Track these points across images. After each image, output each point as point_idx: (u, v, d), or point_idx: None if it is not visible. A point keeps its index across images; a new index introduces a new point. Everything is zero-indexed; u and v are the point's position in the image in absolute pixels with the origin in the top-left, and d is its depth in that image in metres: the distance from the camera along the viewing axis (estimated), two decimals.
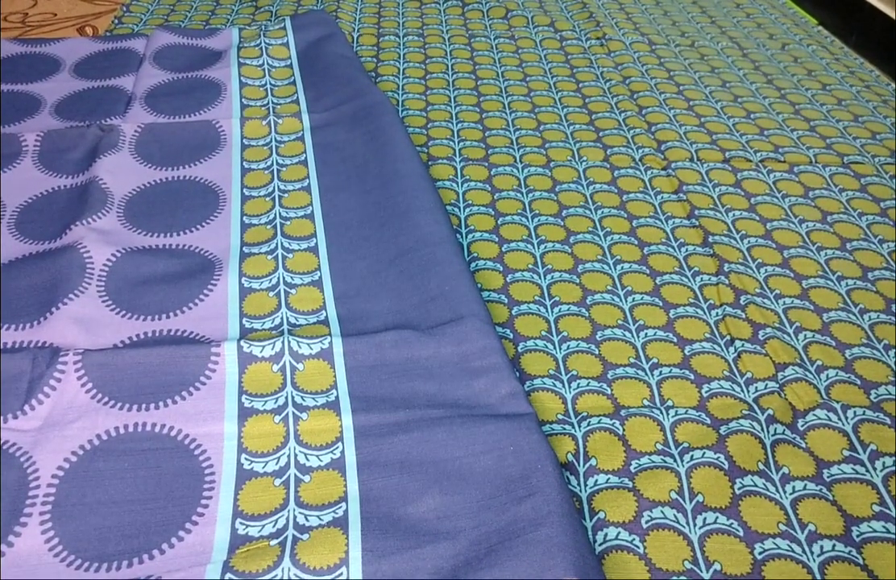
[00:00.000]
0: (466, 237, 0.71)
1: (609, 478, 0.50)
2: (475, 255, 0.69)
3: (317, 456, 0.49)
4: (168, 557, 0.44)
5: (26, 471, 0.47)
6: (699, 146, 0.88)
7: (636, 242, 0.72)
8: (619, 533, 0.47)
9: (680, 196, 0.79)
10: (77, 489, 0.47)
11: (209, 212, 0.71)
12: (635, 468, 0.51)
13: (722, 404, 0.56)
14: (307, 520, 0.45)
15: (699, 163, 0.85)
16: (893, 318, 0.65)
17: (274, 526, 0.45)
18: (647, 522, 0.47)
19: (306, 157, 0.79)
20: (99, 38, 1.03)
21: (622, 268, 0.69)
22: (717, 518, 0.48)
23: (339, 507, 0.46)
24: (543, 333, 0.61)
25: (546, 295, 0.65)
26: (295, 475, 0.48)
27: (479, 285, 0.65)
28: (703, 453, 0.51)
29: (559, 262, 0.69)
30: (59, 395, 0.51)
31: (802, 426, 0.54)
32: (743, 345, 0.61)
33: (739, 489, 0.49)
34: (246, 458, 0.49)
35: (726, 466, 0.50)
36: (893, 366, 0.60)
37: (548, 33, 1.16)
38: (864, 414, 0.55)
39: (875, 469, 0.51)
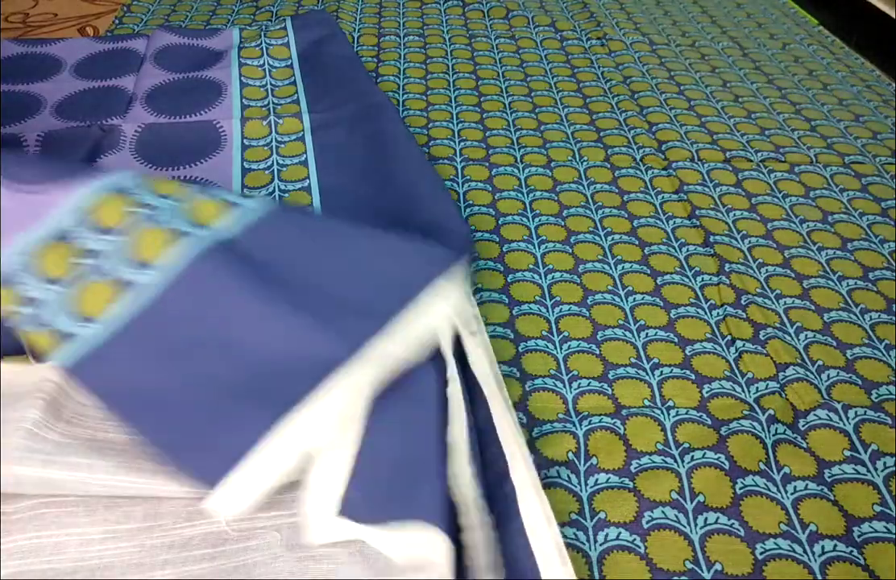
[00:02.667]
0: None
1: (609, 478, 0.50)
2: (476, 254, 0.69)
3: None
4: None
5: None
6: (700, 146, 0.88)
7: (637, 242, 0.72)
8: (619, 533, 0.47)
9: (681, 196, 0.79)
10: None
11: None
12: (636, 468, 0.51)
13: (723, 405, 0.56)
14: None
15: (700, 163, 0.85)
16: (894, 318, 0.65)
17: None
18: (647, 522, 0.47)
19: (307, 158, 0.79)
20: (99, 39, 1.03)
21: (623, 268, 0.69)
22: (717, 518, 0.48)
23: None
24: (544, 333, 0.61)
25: (547, 295, 0.65)
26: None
27: (480, 285, 0.65)
28: (704, 454, 0.51)
29: (560, 263, 0.69)
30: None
31: (803, 426, 0.54)
32: (744, 346, 0.61)
33: (740, 489, 0.49)
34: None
35: (727, 466, 0.50)
36: (894, 366, 0.60)
37: (548, 33, 1.16)
38: (865, 414, 0.55)
39: (876, 469, 0.51)
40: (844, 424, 0.54)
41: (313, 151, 0.80)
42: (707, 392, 0.57)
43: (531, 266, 0.68)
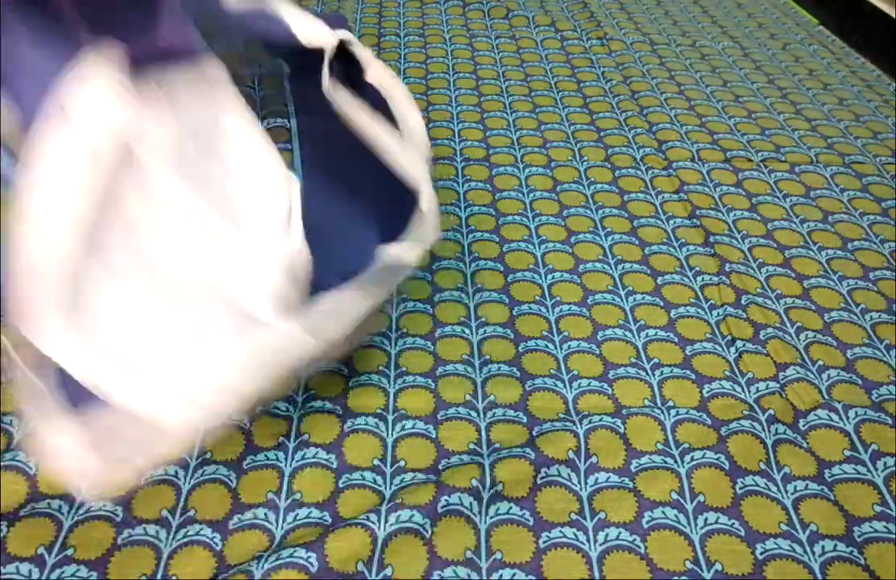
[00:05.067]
0: (467, 237, 0.71)
1: (610, 477, 0.50)
2: (476, 254, 0.69)
3: None
4: None
5: None
6: (700, 146, 0.88)
7: (637, 242, 0.72)
8: (619, 533, 0.47)
9: (681, 196, 0.79)
10: None
11: None
12: (636, 468, 0.50)
13: (723, 405, 0.56)
14: None
15: (700, 162, 0.85)
16: (895, 318, 0.65)
17: None
18: (647, 522, 0.47)
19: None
20: None
21: (623, 268, 0.69)
22: (718, 518, 0.48)
23: None
24: (544, 333, 0.61)
25: (547, 295, 0.65)
26: None
27: (481, 285, 0.66)
28: (704, 454, 0.51)
29: (560, 262, 0.69)
30: None
31: (804, 426, 0.54)
32: (744, 346, 0.61)
33: (741, 489, 0.49)
34: None
35: (727, 466, 0.50)
36: (895, 366, 0.60)
37: (549, 33, 1.16)
38: (865, 414, 0.55)
39: (876, 469, 0.51)
40: (845, 424, 0.54)
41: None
42: (707, 392, 0.57)
43: (531, 266, 0.68)
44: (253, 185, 0.47)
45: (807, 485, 0.50)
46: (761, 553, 0.46)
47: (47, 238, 0.38)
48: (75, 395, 0.40)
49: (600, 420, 0.53)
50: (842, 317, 0.64)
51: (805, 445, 0.53)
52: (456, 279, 0.66)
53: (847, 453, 0.52)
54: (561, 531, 0.46)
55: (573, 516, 0.47)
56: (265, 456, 0.50)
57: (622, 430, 0.53)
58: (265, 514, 0.47)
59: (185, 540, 0.45)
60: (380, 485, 0.49)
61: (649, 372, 0.58)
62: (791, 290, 0.67)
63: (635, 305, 0.65)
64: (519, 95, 0.97)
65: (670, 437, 0.53)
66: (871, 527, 0.48)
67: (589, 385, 0.57)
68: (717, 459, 0.51)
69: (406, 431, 0.53)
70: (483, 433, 0.53)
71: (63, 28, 0.43)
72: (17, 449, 0.49)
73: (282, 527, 0.46)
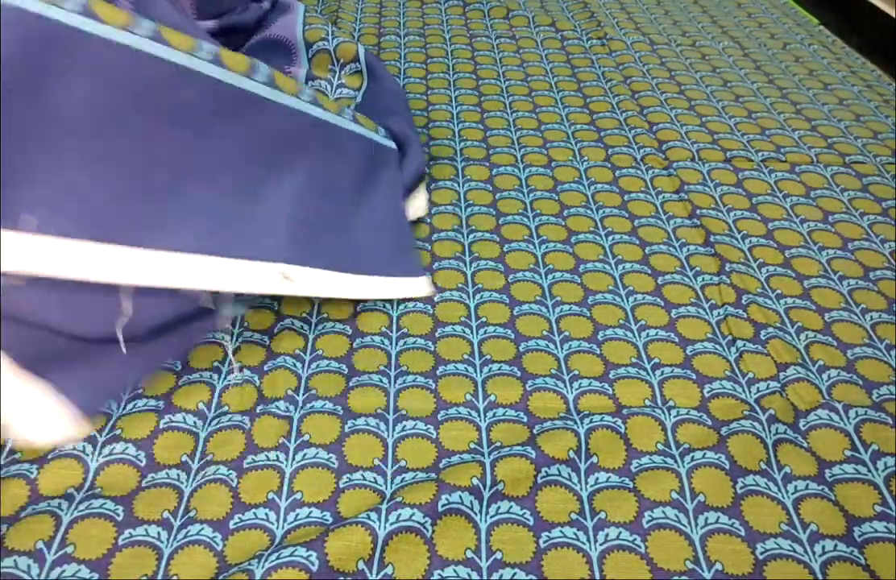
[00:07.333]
0: (468, 237, 0.71)
1: (610, 477, 0.50)
2: (476, 254, 0.69)
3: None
4: None
5: None
6: (700, 146, 0.88)
7: (637, 242, 0.72)
8: (620, 532, 0.47)
9: (681, 196, 0.79)
10: None
11: None
12: (636, 468, 0.50)
13: (723, 405, 0.56)
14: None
15: (700, 162, 0.85)
16: (895, 318, 0.65)
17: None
18: (648, 522, 0.47)
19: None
20: None
21: (623, 268, 0.69)
22: (718, 518, 0.48)
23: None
24: (545, 333, 0.61)
25: (547, 295, 0.65)
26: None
27: (481, 285, 0.66)
28: (704, 454, 0.51)
29: (560, 262, 0.69)
30: None
31: (804, 426, 0.54)
32: (745, 345, 0.61)
33: (741, 489, 0.49)
34: None
35: (727, 466, 0.50)
36: (895, 366, 0.60)
37: (549, 33, 1.16)
38: (865, 414, 0.55)
39: (877, 469, 0.51)
40: (845, 424, 0.54)
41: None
42: (708, 392, 0.57)
43: (532, 266, 0.68)
44: None
45: (807, 484, 0.50)
46: (761, 553, 0.46)
47: None
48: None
49: (601, 420, 0.53)
50: (842, 317, 0.64)
51: (805, 445, 0.53)
52: (456, 279, 0.66)
53: (847, 453, 0.52)
54: (561, 531, 0.46)
55: (573, 516, 0.47)
56: (266, 456, 0.50)
57: (622, 430, 0.53)
58: (266, 514, 0.47)
59: (185, 540, 0.45)
60: (380, 485, 0.49)
61: (650, 372, 0.58)
62: (791, 289, 0.67)
63: (636, 305, 0.65)
64: (519, 95, 0.97)
65: (670, 437, 0.53)
66: (872, 527, 0.48)
67: (589, 385, 0.57)
68: (718, 459, 0.51)
69: (407, 432, 0.53)
70: (483, 433, 0.53)
71: None
72: (14, 452, 0.49)
73: (282, 527, 0.46)
